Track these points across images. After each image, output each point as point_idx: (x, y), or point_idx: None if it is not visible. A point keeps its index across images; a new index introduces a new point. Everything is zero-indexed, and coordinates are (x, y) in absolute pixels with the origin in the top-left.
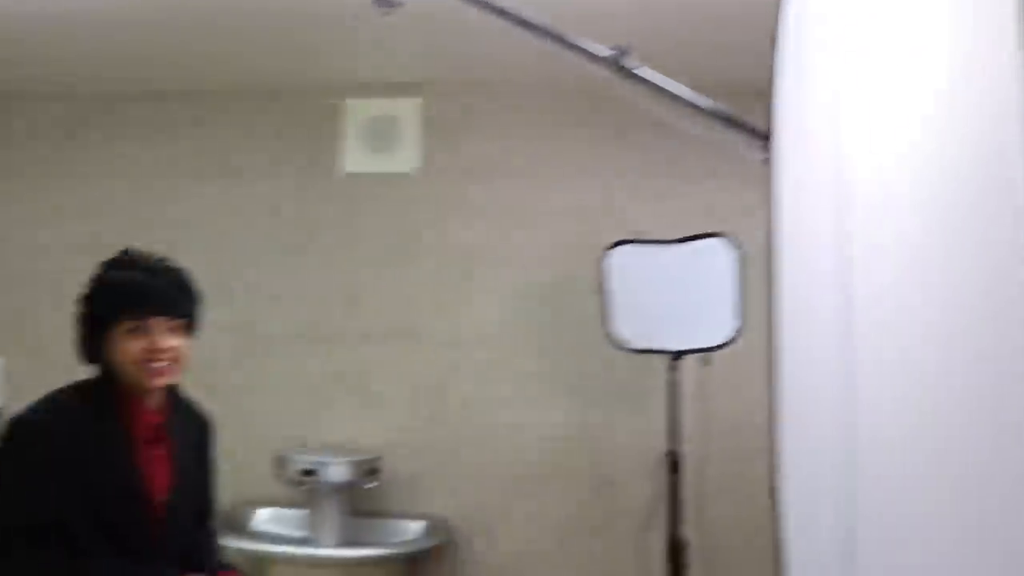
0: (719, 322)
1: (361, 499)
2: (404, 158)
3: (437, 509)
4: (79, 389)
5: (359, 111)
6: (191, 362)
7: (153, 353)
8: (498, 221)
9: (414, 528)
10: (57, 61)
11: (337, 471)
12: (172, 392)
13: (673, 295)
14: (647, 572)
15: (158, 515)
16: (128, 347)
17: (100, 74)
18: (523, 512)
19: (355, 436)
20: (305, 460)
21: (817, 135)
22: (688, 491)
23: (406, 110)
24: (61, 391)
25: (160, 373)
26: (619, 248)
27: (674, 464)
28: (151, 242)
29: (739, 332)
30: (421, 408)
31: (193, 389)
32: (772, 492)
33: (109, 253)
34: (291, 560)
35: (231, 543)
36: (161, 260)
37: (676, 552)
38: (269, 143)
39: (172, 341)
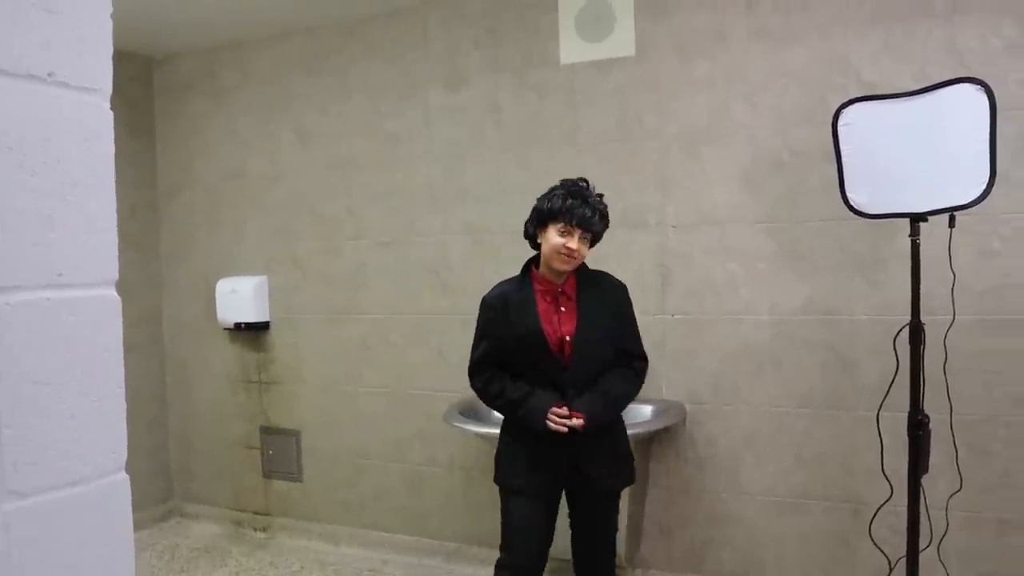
0: (968, 178)
1: None
2: (619, 42)
3: (669, 392)
4: (520, 273)
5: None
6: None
7: (565, 248)
8: (720, 94)
9: (646, 411)
10: None
11: None
12: (582, 272)
13: (914, 152)
14: (885, 452)
15: (565, 351)
16: (555, 240)
17: (335, 4)
18: (756, 393)
19: None
20: None
21: None
22: (931, 366)
23: None
24: (507, 278)
25: (563, 261)
26: (851, 107)
27: (916, 337)
28: (388, 156)
29: (990, 188)
30: (651, 292)
31: (431, 289)
32: None
33: (360, 169)
34: None
35: (472, 429)
36: (593, 191)
37: (917, 432)
38: (488, 45)
39: (576, 245)
